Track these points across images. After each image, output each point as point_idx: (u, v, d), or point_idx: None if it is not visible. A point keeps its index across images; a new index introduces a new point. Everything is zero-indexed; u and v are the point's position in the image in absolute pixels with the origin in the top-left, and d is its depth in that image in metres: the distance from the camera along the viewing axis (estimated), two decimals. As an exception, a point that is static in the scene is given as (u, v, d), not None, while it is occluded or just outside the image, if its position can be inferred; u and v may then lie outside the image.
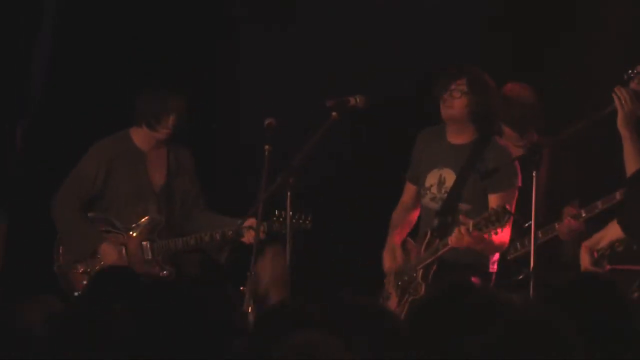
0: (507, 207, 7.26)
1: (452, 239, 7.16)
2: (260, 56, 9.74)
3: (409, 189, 7.66)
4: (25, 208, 9.15)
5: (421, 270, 7.41)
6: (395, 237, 7.60)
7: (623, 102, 6.72)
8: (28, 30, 10.33)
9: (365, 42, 9.25)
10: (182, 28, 9.90)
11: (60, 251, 8.37)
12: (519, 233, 7.45)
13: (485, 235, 7.16)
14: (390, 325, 4.44)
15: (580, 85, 8.14)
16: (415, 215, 7.67)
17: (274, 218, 7.88)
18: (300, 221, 7.95)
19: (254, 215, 7.66)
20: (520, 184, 7.34)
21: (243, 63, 9.84)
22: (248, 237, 7.87)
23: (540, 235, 7.46)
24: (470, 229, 7.12)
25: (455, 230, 7.17)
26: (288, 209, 7.37)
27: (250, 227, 7.82)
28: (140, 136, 8.33)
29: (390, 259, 7.56)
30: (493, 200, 7.24)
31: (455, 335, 4.12)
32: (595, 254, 7.20)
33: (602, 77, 7.55)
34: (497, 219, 7.15)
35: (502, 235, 7.24)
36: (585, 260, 7.22)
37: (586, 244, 7.22)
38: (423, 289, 7.36)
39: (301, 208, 7.80)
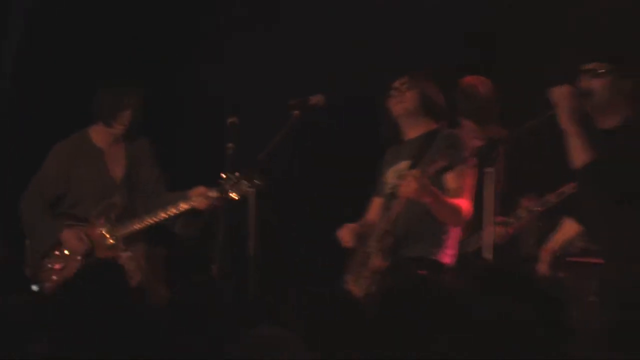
0: (461, 181, 7.27)
1: (401, 189, 7.14)
2: (224, 56, 9.84)
3: (375, 203, 7.71)
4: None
5: (378, 240, 7.39)
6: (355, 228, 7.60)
7: (560, 101, 6.79)
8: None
9: (330, 44, 9.35)
10: (151, 26, 10.04)
11: (28, 249, 8.44)
12: (478, 226, 7.37)
13: (432, 187, 7.08)
14: (350, 322, 4.55)
15: (537, 81, 7.81)
16: (371, 218, 7.69)
17: (223, 180, 7.86)
18: (242, 188, 7.78)
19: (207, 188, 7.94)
20: (473, 161, 7.35)
21: (208, 62, 9.91)
22: (199, 203, 8.01)
23: (513, 221, 7.77)
24: (419, 174, 7.05)
25: (404, 179, 7.17)
26: (250, 207, 7.41)
27: (200, 195, 7.98)
28: (98, 134, 8.43)
29: (348, 234, 7.53)
30: (449, 179, 7.25)
31: (414, 331, 4.31)
32: (556, 254, 7.49)
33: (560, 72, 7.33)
34: (436, 164, 7.12)
35: (458, 198, 7.26)
36: (542, 266, 7.54)
37: (546, 248, 7.58)
38: (380, 259, 7.33)
39: (244, 173, 7.74)
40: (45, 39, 10.23)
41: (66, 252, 8.28)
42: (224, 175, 7.78)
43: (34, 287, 8.23)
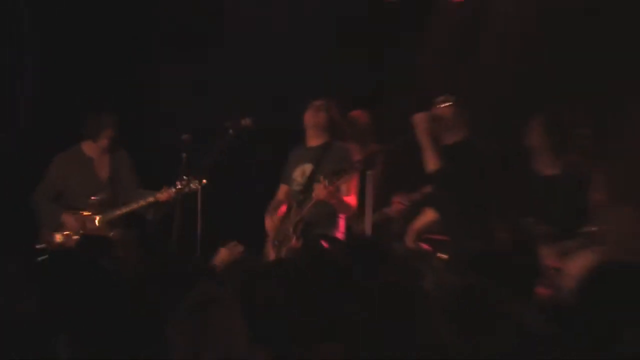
0: (350, 184, 7.81)
1: (315, 193, 7.76)
2: (179, 84, 10.06)
3: (282, 189, 8.25)
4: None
5: (292, 227, 7.96)
6: (271, 217, 8.19)
7: (419, 124, 7.39)
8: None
9: (258, 76, 9.57)
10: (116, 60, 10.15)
11: (41, 231, 8.79)
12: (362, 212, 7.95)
13: (338, 194, 7.76)
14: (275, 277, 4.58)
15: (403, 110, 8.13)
16: (283, 208, 8.19)
17: (179, 180, 8.26)
18: (198, 181, 8.22)
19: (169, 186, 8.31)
20: (357, 171, 7.83)
21: (167, 90, 10.18)
22: (163, 197, 8.37)
23: (376, 216, 8.12)
24: (327, 183, 7.65)
25: (316, 186, 7.78)
26: (199, 200, 8.10)
27: (164, 192, 8.35)
28: (88, 147, 8.85)
29: (271, 222, 8.16)
30: (342, 183, 7.79)
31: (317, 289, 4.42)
32: (417, 233, 7.99)
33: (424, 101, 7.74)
34: (339, 176, 7.68)
35: (350, 199, 7.87)
36: (409, 240, 7.98)
37: (412, 227, 8.01)
38: (294, 239, 7.91)
39: (199, 173, 8.21)
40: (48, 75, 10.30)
41: (66, 232, 8.72)
42: (181, 178, 8.31)
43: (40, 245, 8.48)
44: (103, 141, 8.79)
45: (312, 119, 8.06)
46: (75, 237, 8.63)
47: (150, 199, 8.57)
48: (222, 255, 6.39)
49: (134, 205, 8.67)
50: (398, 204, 8.38)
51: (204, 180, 8.22)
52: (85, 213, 8.77)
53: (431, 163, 7.48)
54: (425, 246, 8.05)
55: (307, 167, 8.11)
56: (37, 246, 8.54)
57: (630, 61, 8.46)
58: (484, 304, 4.10)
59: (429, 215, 8.06)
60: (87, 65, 10.15)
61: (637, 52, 8.45)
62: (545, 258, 7.00)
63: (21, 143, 10.16)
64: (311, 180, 8.04)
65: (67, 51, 10.26)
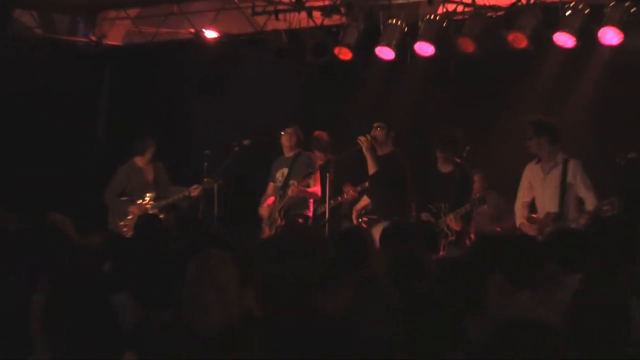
0: (315, 179, 7.88)
1: (289, 190, 7.84)
2: (203, 119, 9.95)
3: (270, 186, 8.28)
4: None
5: (277, 212, 8.03)
6: (263, 206, 8.24)
7: (363, 143, 7.47)
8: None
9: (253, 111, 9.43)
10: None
11: (110, 219, 8.74)
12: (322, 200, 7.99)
13: (303, 188, 7.86)
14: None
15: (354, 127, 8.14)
16: (270, 200, 8.21)
17: (204, 182, 8.13)
18: (216, 182, 8.09)
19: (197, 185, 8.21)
20: (318, 171, 7.89)
21: (195, 123, 10.07)
22: (194, 193, 8.27)
23: (332, 202, 8.08)
24: (296, 184, 7.79)
25: (290, 186, 7.85)
26: (215, 195, 8.03)
27: (195, 189, 8.22)
28: (139, 160, 8.79)
29: (262, 210, 8.17)
30: (310, 180, 7.95)
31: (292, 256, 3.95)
32: (357, 212, 8.09)
33: (366, 123, 7.80)
34: (303, 178, 7.80)
35: (314, 189, 7.91)
36: (353, 217, 8.09)
37: (355, 208, 8.16)
38: (279, 220, 7.98)
39: (216, 176, 8.07)
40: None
41: (130, 217, 8.52)
42: (205, 180, 8.22)
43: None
44: (147, 156, 8.78)
45: (287, 141, 8.20)
46: None
47: (186, 193, 8.48)
48: None
49: (175, 198, 8.60)
50: (349, 192, 8.24)
51: (220, 182, 8.18)
52: (141, 204, 8.72)
53: (371, 168, 7.58)
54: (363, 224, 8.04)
55: (285, 170, 8.22)
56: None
57: (500, 100, 8.62)
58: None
59: (364, 201, 8.18)
60: (140, 109, 10.28)
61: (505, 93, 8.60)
62: (449, 222, 7.20)
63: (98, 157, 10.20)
64: (287, 179, 8.12)
65: (128, 101, 10.37)
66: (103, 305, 2.92)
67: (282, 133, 8.21)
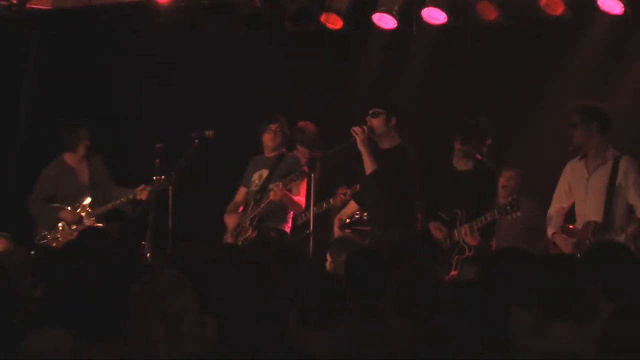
0: (300, 185, 7.93)
1: (272, 194, 7.89)
2: (154, 103, 9.93)
3: (241, 192, 8.35)
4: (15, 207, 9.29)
5: (248, 221, 8.10)
6: (231, 215, 8.28)
7: (358, 134, 7.43)
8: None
9: (221, 93, 9.41)
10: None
11: (36, 230, 8.75)
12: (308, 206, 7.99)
13: (288, 193, 7.94)
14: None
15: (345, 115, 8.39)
16: (240, 208, 8.29)
17: (154, 182, 8.15)
18: (169, 181, 8.09)
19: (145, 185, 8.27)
20: (306, 177, 7.93)
21: (144, 107, 10.12)
22: (142, 195, 8.38)
23: (325, 205, 8.24)
24: (280, 186, 7.83)
25: (273, 187, 7.89)
26: (170, 198, 8.01)
27: (142, 190, 8.31)
28: (69, 157, 8.83)
29: (229, 219, 8.22)
30: (293, 186, 7.97)
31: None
32: (340, 221, 8.17)
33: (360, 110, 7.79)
34: (290, 180, 7.83)
35: (298, 198, 8.03)
36: (335, 228, 8.12)
37: (337, 217, 8.22)
38: (250, 231, 8.04)
39: (167, 175, 8.10)
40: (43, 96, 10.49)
41: (61, 226, 8.65)
42: (154, 178, 8.23)
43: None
44: (80, 151, 8.85)
45: (271, 141, 8.27)
46: (72, 229, 8.65)
47: (130, 197, 8.59)
48: None
49: (117, 202, 8.70)
50: (341, 195, 8.37)
51: (173, 181, 8.20)
52: (76, 209, 8.79)
53: (368, 166, 7.55)
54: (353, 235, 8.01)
55: (264, 172, 8.30)
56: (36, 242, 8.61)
57: (531, 83, 8.64)
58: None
59: (351, 207, 8.22)
60: (74, 90, 10.28)
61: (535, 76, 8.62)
62: (464, 235, 7.22)
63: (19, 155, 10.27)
64: (267, 182, 8.20)
65: (59, 80, 10.39)
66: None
67: (264, 129, 8.27)
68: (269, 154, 8.35)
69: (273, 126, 8.24)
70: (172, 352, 3.45)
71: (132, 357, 3.52)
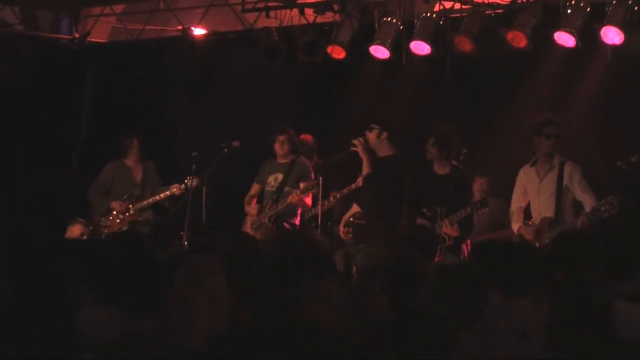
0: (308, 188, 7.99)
1: (291, 198, 7.96)
2: (190, 120, 9.97)
3: (255, 187, 8.39)
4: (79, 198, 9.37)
5: (267, 218, 8.18)
6: (251, 205, 8.35)
7: (358, 145, 7.44)
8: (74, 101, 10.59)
9: (243, 112, 9.42)
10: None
11: (93, 217, 8.82)
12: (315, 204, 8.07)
13: (303, 197, 8.03)
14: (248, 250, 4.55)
15: (346, 129, 8.29)
16: (254, 201, 8.35)
17: (185, 181, 8.27)
18: (199, 180, 8.19)
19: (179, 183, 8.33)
20: (313, 178, 8.02)
21: (182, 123, 10.10)
22: (175, 191, 8.42)
23: (310, 211, 8.17)
24: (299, 193, 7.93)
25: (293, 193, 7.95)
26: (204, 195, 8.09)
27: (176, 187, 8.35)
28: (128, 160, 8.89)
29: (248, 208, 8.31)
30: (302, 185, 8.12)
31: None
32: (345, 221, 8.02)
33: (358, 125, 7.80)
34: (307, 189, 7.96)
35: (307, 199, 8.09)
36: (341, 227, 8.03)
37: (343, 217, 8.10)
38: (270, 226, 8.07)
39: (202, 179, 8.16)
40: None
41: (114, 213, 8.74)
42: (186, 179, 8.35)
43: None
44: (132, 155, 8.91)
45: (280, 150, 8.30)
46: (120, 218, 8.69)
47: (167, 192, 8.61)
48: None
49: (156, 197, 8.70)
50: (331, 198, 8.24)
51: (204, 182, 8.21)
52: (124, 201, 8.82)
53: (365, 170, 7.56)
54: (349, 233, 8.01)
55: (279, 176, 8.31)
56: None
57: (500, 102, 8.63)
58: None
59: (354, 209, 8.17)
60: (124, 109, 10.30)
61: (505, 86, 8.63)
62: (445, 228, 7.19)
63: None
64: (282, 185, 8.22)
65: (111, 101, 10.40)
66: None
67: (275, 140, 8.27)
68: (281, 160, 8.34)
69: (281, 137, 8.25)
70: (211, 325, 3.38)
71: (175, 331, 3.44)
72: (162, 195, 8.64)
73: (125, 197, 8.78)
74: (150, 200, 8.71)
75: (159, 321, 3.54)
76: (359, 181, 7.80)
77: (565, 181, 6.96)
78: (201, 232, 7.17)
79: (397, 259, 4.07)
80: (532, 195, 7.15)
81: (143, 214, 8.71)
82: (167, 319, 3.49)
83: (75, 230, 8.34)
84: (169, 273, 3.65)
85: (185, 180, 8.34)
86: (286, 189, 8.16)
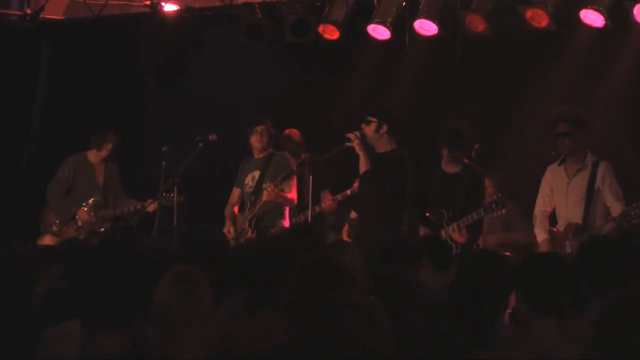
0: (291, 184, 7.94)
1: (264, 195, 7.96)
2: (160, 109, 10.05)
3: (235, 192, 8.35)
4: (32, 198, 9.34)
5: (247, 222, 8.11)
6: (231, 214, 8.27)
7: (354, 139, 7.35)
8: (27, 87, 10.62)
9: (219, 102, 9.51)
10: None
11: (46, 217, 8.76)
12: (300, 209, 8.13)
13: (281, 192, 7.96)
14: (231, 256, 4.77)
15: (339, 122, 8.34)
16: (236, 208, 8.31)
17: (162, 197, 8.19)
18: (176, 198, 8.09)
19: (154, 198, 8.29)
20: (295, 174, 8.02)
21: (150, 113, 10.17)
22: (150, 208, 8.37)
23: (317, 208, 8.12)
24: (272, 186, 7.89)
25: (265, 190, 7.96)
26: (175, 197, 8.05)
27: (151, 203, 8.31)
28: (91, 155, 8.82)
29: (230, 222, 8.22)
30: (285, 185, 8.00)
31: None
32: (349, 220, 7.84)
33: (354, 118, 7.67)
34: (281, 180, 7.89)
35: (291, 195, 8.04)
36: (344, 232, 7.89)
37: (347, 222, 7.90)
38: (250, 232, 8.07)
39: (179, 192, 8.08)
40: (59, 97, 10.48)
41: (79, 224, 8.65)
42: (162, 192, 8.19)
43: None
44: (103, 152, 8.86)
45: (258, 143, 8.27)
46: (80, 227, 8.65)
47: (139, 207, 8.60)
48: None
49: (125, 210, 8.69)
50: (327, 202, 8.32)
51: (182, 197, 8.19)
52: (84, 209, 8.77)
53: (363, 166, 7.51)
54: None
55: (256, 173, 8.28)
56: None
57: (515, 90, 8.65)
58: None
59: (353, 214, 8.02)
60: (83, 95, 10.31)
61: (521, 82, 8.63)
62: (451, 233, 7.14)
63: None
64: (259, 183, 8.20)
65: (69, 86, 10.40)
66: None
67: (251, 132, 8.24)
68: (258, 155, 8.31)
69: (259, 128, 8.22)
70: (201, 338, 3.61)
71: (148, 346, 3.50)
72: (132, 208, 8.64)
73: (90, 202, 8.74)
74: (118, 211, 8.71)
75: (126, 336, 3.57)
76: (355, 186, 7.79)
77: (598, 183, 6.91)
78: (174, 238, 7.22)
79: (393, 274, 4.06)
80: (559, 198, 7.09)
81: (104, 224, 8.64)
82: (137, 333, 3.56)
83: (46, 242, 8.31)
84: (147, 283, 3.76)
85: (163, 196, 8.28)
86: (264, 186, 8.12)
